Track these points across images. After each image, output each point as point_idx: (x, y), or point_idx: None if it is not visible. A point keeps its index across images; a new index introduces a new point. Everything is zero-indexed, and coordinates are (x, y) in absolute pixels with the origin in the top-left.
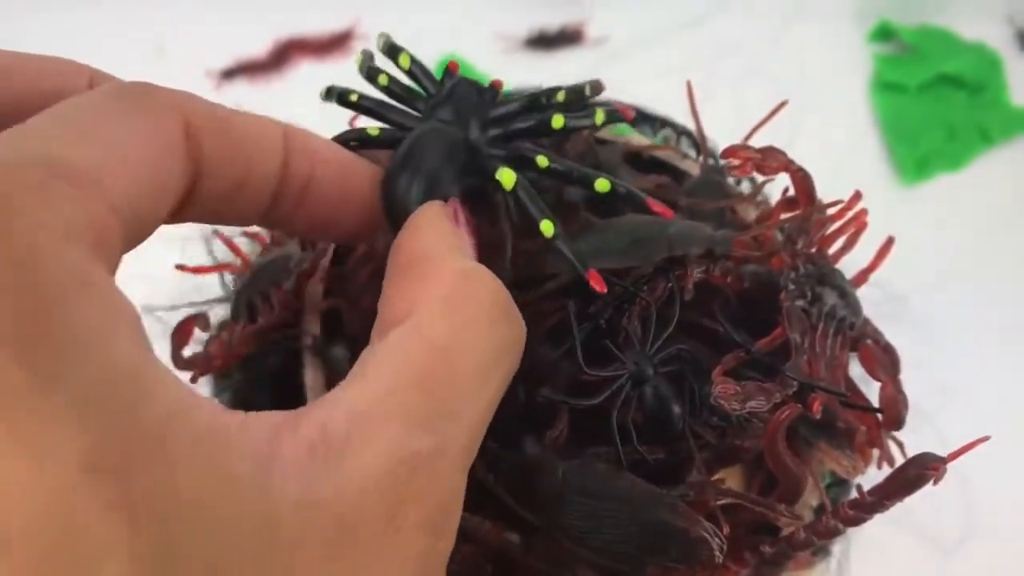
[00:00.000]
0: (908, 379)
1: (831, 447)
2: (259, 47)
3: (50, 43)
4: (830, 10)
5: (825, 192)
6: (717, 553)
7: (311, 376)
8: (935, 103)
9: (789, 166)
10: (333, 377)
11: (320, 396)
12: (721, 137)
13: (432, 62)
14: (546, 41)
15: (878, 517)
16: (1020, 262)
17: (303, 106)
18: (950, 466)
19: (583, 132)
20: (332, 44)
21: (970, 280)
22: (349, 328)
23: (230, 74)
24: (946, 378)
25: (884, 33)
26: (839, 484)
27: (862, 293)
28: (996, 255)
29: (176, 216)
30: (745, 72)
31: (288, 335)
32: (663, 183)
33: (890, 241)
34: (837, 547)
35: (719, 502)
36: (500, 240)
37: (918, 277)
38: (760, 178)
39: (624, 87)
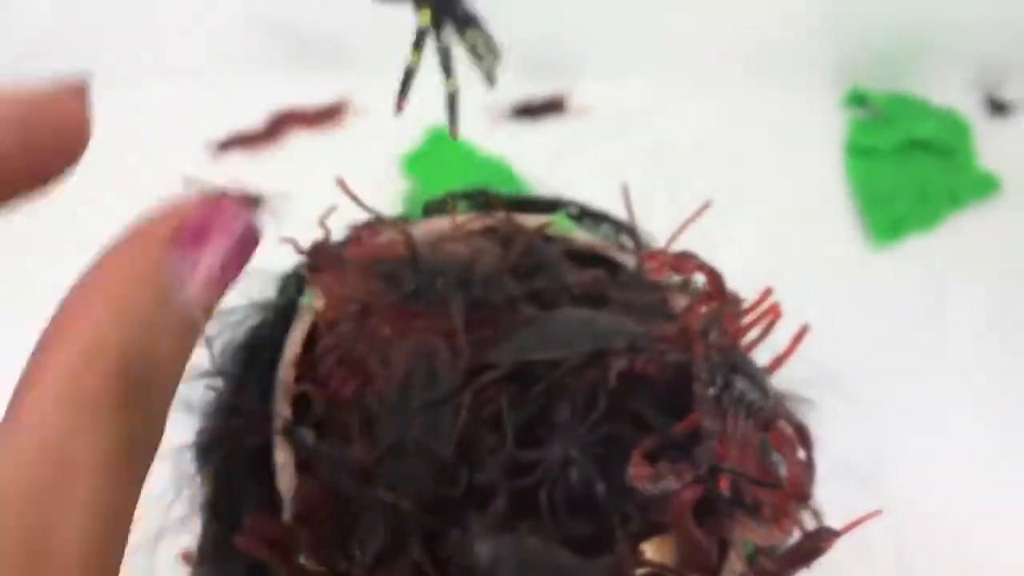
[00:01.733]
0: (858, 442)
1: (747, 518)
2: (254, 118)
3: None
4: (804, 77)
5: (797, 255)
6: None
7: (281, 456)
8: (907, 167)
9: (702, 267)
10: (300, 457)
11: (289, 475)
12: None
13: (421, 132)
14: (530, 111)
15: None
16: (987, 317)
17: (298, 176)
18: (886, 524)
19: (527, 231)
20: (325, 116)
21: (938, 335)
22: (316, 411)
23: (226, 146)
24: (897, 437)
25: (857, 99)
26: (765, 553)
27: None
28: (965, 311)
29: None
30: (709, 150)
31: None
32: (599, 277)
33: (804, 330)
34: None
35: (639, 571)
36: (451, 330)
37: (886, 334)
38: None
39: (599, 161)
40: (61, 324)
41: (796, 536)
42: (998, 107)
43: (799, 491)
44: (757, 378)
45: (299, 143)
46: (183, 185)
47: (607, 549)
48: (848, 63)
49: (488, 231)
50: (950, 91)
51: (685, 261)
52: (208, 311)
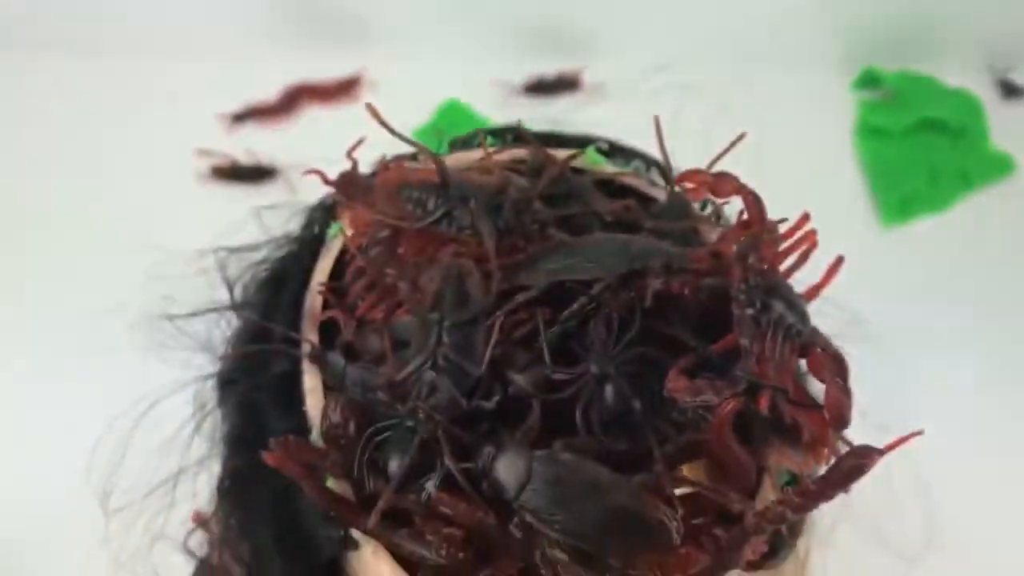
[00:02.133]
0: (876, 400)
1: (784, 445)
2: (269, 92)
3: (63, 90)
4: (817, 58)
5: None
6: (674, 535)
7: (309, 381)
8: (918, 147)
9: (741, 189)
10: (328, 381)
11: (318, 399)
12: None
13: (434, 107)
14: (543, 88)
15: (844, 528)
16: (998, 299)
17: (312, 148)
18: (915, 477)
19: (558, 161)
20: (340, 90)
21: (946, 314)
22: (344, 337)
23: (241, 118)
24: (915, 399)
25: (868, 80)
26: (794, 481)
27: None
28: (975, 294)
29: None
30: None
31: (290, 343)
32: (630, 206)
33: (839, 260)
34: (802, 549)
35: (676, 489)
36: (482, 254)
37: (896, 314)
38: (720, 203)
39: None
40: None
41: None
42: (1011, 90)
43: (838, 416)
44: (795, 303)
45: (313, 116)
46: (198, 156)
47: (643, 468)
48: (860, 44)
49: (517, 164)
50: (962, 74)
51: (724, 182)
52: None
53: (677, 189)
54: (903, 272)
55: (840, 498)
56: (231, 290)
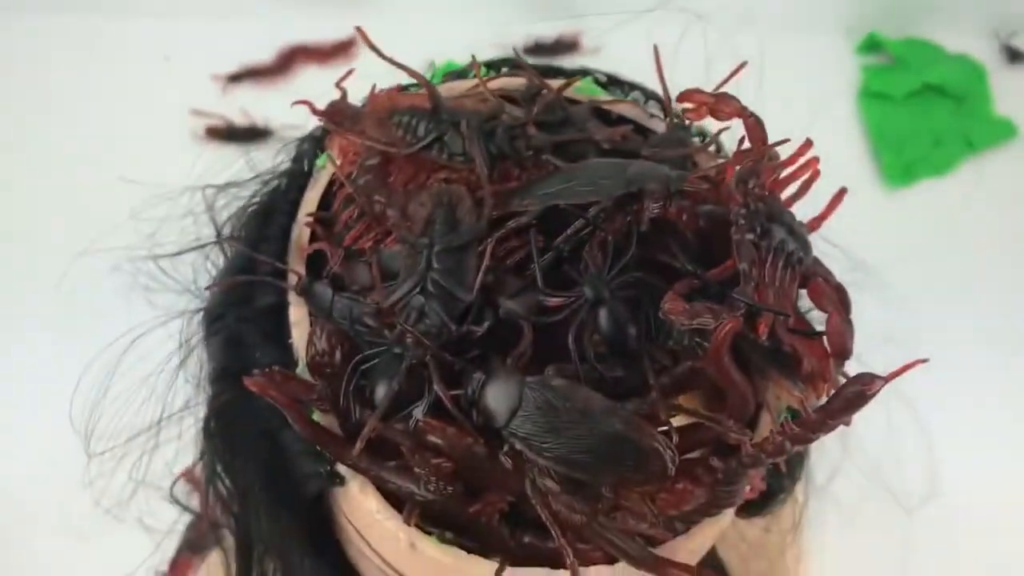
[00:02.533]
0: (877, 351)
1: (782, 377)
2: (265, 53)
3: (60, 50)
4: (821, 23)
5: (812, 192)
6: (669, 464)
7: (295, 313)
8: (920, 112)
9: (743, 111)
10: (315, 312)
11: (304, 332)
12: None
13: (427, 68)
14: (542, 50)
15: (842, 478)
16: (998, 261)
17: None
18: (916, 427)
19: (551, 91)
20: (336, 51)
21: (946, 273)
22: (331, 269)
23: (236, 79)
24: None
25: (872, 45)
26: (795, 416)
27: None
28: (977, 255)
29: None
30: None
31: (277, 275)
32: (628, 134)
33: (842, 191)
34: (800, 496)
35: (671, 416)
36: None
37: (897, 272)
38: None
39: None
40: None
41: None
42: (1014, 55)
43: (840, 346)
44: (796, 230)
45: (309, 77)
46: (193, 117)
47: (638, 397)
48: (865, 8)
49: (511, 94)
50: (965, 39)
51: (725, 102)
52: None
53: (676, 118)
54: (905, 233)
55: (839, 448)
56: (216, 226)
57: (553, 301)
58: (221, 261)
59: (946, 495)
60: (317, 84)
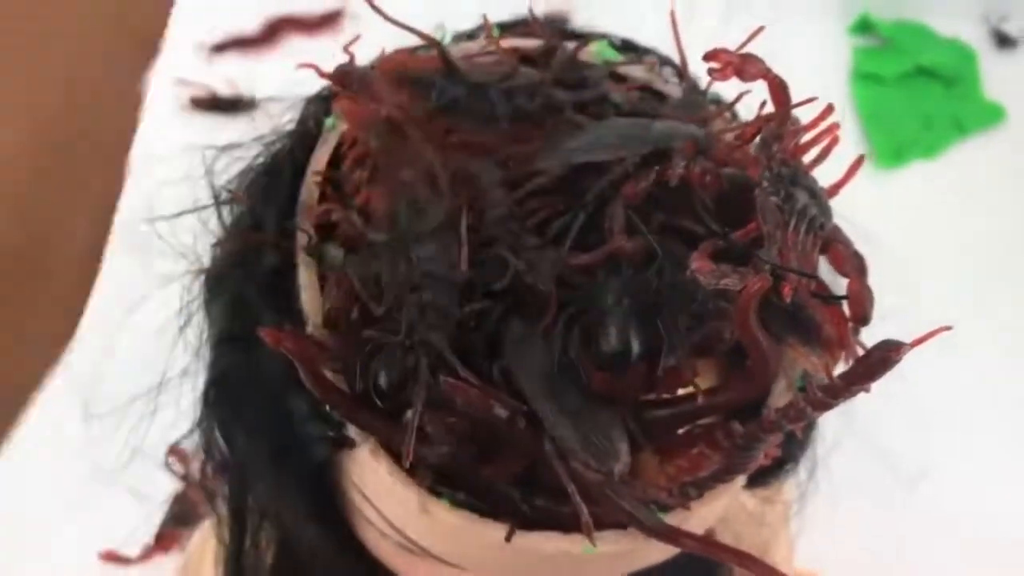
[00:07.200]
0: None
1: (801, 344)
2: (250, 23)
3: None
4: (813, 4)
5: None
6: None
7: (304, 275)
8: (912, 94)
9: (767, 73)
10: (326, 276)
11: (313, 295)
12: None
13: (416, 40)
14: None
15: (842, 451)
16: (991, 244)
17: (294, 81)
18: (914, 405)
19: (568, 50)
20: (323, 22)
21: (937, 253)
22: (342, 229)
23: (221, 48)
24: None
25: (864, 26)
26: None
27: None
28: (967, 237)
29: None
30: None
31: (284, 235)
32: (646, 97)
33: (861, 158)
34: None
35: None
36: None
37: (891, 250)
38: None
39: None
40: None
41: None
42: (1004, 40)
43: (860, 310)
44: (818, 194)
45: (295, 48)
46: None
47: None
48: None
49: (525, 57)
50: (956, 23)
51: (751, 63)
52: None
53: (693, 86)
54: (896, 214)
55: (838, 422)
56: (214, 189)
57: (575, 262)
58: (221, 225)
59: (943, 469)
60: (303, 55)
